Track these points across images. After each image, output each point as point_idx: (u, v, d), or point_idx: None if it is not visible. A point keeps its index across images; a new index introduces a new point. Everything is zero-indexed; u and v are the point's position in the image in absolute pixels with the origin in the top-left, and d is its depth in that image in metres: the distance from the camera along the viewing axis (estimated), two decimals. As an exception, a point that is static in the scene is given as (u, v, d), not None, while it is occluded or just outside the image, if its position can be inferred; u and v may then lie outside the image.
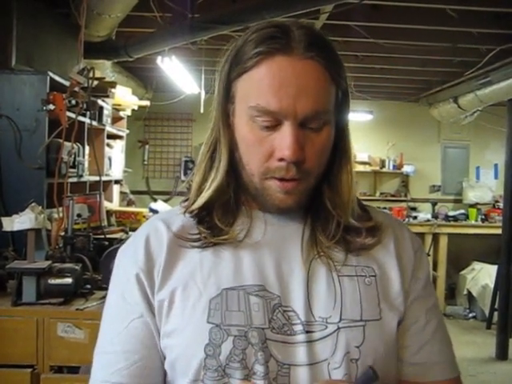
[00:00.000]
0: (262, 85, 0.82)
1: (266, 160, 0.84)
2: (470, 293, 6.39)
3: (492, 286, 5.81)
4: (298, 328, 0.83)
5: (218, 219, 0.89)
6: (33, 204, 2.33)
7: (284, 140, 0.81)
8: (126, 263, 0.91)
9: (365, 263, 0.89)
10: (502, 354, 5.02)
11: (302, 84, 0.81)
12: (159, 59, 3.92)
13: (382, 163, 7.41)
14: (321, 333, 0.83)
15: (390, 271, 0.90)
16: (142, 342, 0.86)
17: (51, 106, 2.68)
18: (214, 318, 0.83)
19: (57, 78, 2.83)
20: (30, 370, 2.12)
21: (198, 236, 0.89)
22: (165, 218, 0.95)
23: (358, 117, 6.77)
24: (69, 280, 2.21)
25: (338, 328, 0.84)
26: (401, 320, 0.90)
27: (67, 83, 2.86)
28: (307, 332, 0.83)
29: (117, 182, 4.65)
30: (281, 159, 0.82)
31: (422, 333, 0.91)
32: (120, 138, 4.72)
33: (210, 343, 0.82)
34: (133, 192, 5.64)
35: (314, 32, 0.86)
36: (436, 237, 6.52)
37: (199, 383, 0.82)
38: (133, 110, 4.88)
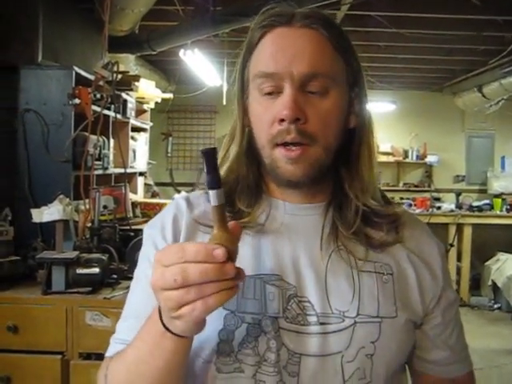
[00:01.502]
0: (263, 53, 0.87)
1: (270, 127, 0.85)
2: (494, 284, 6.32)
3: (517, 276, 5.76)
4: (313, 319, 0.84)
5: (240, 203, 0.91)
6: (61, 196, 2.39)
7: (282, 101, 0.84)
8: (155, 237, 0.92)
9: (383, 260, 0.89)
10: (527, 345, 4.97)
11: (299, 46, 0.85)
12: (182, 52, 3.95)
13: (405, 153, 7.37)
14: (337, 325, 0.84)
15: (407, 270, 0.91)
16: None
17: (77, 100, 2.74)
18: (230, 305, 0.84)
19: (82, 73, 2.88)
20: (60, 356, 2.20)
21: None
22: (189, 199, 0.96)
23: (381, 107, 6.72)
24: (96, 270, 2.27)
25: (355, 322, 0.84)
26: (418, 321, 0.91)
27: (92, 77, 2.91)
28: (321, 324, 0.84)
29: (141, 174, 4.70)
30: (281, 120, 0.83)
31: (450, 336, 0.94)
32: (144, 130, 4.78)
33: (224, 328, 0.84)
34: (157, 184, 5.70)
35: (318, 11, 0.90)
36: (460, 227, 6.45)
37: (211, 365, 0.84)
38: (156, 103, 4.92)
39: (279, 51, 0.84)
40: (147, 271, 0.90)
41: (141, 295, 0.90)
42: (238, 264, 0.85)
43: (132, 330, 0.86)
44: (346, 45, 0.89)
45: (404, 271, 0.90)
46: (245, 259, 0.87)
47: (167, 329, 0.72)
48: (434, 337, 0.93)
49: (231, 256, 0.67)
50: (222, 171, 0.93)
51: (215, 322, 0.84)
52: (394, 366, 0.87)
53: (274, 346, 0.82)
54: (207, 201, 0.92)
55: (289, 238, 0.90)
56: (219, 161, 0.94)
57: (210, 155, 0.67)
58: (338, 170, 0.92)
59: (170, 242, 0.90)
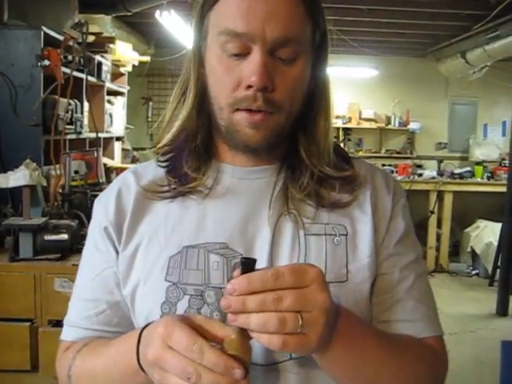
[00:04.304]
0: (231, 9, 0.79)
1: (234, 90, 0.80)
2: (473, 250, 6.39)
3: (496, 243, 5.81)
4: None
5: (187, 167, 0.87)
6: (27, 161, 2.33)
7: (251, 66, 0.77)
8: (99, 214, 0.91)
9: (337, 221, 0.85)
10: (502, 310, 5.05)
11: (271, 8, 0.77)
12: (157, 13, 3.84)
13: (388, 120, 7.34)
14: None
15: (363, 229, 0.86)
16: (111, 292, 0.87)
17: (46, 62, 2.65)
18: (172, 277, 0.82)
19: (51, 33, 2.78)
20: (28, 323, 2.17)
21: (166, 187, 0.88)
22: (137, 170, 0.94)
23: (364, 72, 6.66)
24: (65, 236, 2.23)
25: None
26: (373, 279, 0.86)
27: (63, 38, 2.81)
28: None
29: (118, 138, 4.63)
30: (248, 87, 0.78)
31: (393, 290, 0.86)
32: (121, 94, 4.68)
33: (166, 301, 0.82)
34: (137, 149, 5.62)
35: None
36: (441, 194, 6.48)
37: None
38: (134, 66, 4.82)
39: (251, 9, 0.77)
40: (92, 251, 0.91)
41: (87, 277, 0.91)
42: (180, 235, 0.85)
43: (81, 313, 0.89)
44: (317, 5, 0.83)
45: (359, 230, 0.86)
46: (188, 228, 0.85)
47: (142, 369, 0.72)
48: (375, 289, 0.86)
49: (246, 370, 0.65)
50: (174, 129, 0.89)
51: (158, 294, 0.82)
52: None
53: (218, 318, 0.80)
54: (154, 169, 0.92)
55: (236, 203, 0.86)
56: (166, 120, 0.90)
57: (249, 265, 0.66)
58: (295, 133, 0.88)
59: (112, 218, 0.88)
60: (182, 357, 0.64)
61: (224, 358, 0.64)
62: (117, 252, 0.87)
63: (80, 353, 0.85)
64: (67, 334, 0.91)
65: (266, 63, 0.77)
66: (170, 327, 0.67)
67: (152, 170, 0.92)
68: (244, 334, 0.65)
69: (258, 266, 0.79)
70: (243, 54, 0.79)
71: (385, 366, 0.78)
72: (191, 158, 0.88)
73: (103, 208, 0.90)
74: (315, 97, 0.87)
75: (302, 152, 0.87)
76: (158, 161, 0.91)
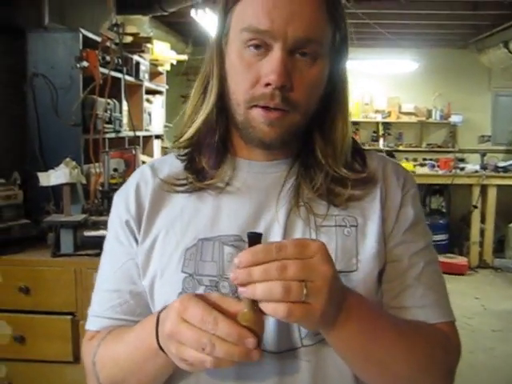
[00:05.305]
0: (256, 6, 0.80)
1: (252, 87, 0.81)
2: (519, 245, 6.23)
3: (542, 238, 5.65)
4: None
5: (205, 162, 0.90)
6: (67, 159, 2.40)
7: (270, 64, 0.79)
8: (120, 208, 0.93)
9: (347, 213, 0.87)
10: (548, 307, 4.91)
11: (295, 8, 0.79)
12: (193, 12, 3.88)
13: (429, 113, 7.21)
14: None
15: (373, 220, 0.87)
16: (134, 282, 0.90)
17: (85, 63, 2.71)
18: (188, 268, 0.85)
19: (90, 35, 2.85)
20: (70, 316, 2.24)
21: (184, 181, 0.90)
22: (154, 165, 0.97)
23: (403, 66, 6.55)
24: (104, 232, 2.27)
25: None
26: (382, 268, 0.87)
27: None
28: None
29: (157, 136, 4.70)
30: (266, 85, 0.80)
31: (402, 277, 0.87)
32: (159, 93, 4.75)
33: (182, 292, 0.84)
34: (176, 147, 5.69)
35: None
36: (484, 188, 6.32)
37: None
38: (172, 65, 4.88)
39: (276, 8, 0.78)
40: (114, 244, 0.93)
41: (110, 269, 0.93)
42: (196, 227, 0.87)
43: (105, 304, 0.92)
44: (339, 9, 0.85)
45: (369, 222, 0.87)
46: (204, 221, 0.87)
47: (162, 349, 0.75)
48: (384, 276, 0.87)
49: (259, 341, 0.67)
50: (196, 124, 0.90)
51: (174, 285, 0.85)
52: None
53: None
54: (170, 164, 0.95)
55: (250, 196, 0.88)
56: (188, 114, 0.92)
57: (255, 239, 0.68)
58: (311, 130, 0.89)
59: (133, 212, 0.91)
60: (196, 329, 0.67)
61: (237, 327, 0.66)
62: (137, 244, 0.90)
63: (104, 340, 0.88)
64: (92, 324, 0.94)
65: (286, 62, 0.79)
66: (185, 302, 0.70)
67: (169, 165, 0.95)
68: (256, 307, 0.67)
69: None
70: (263, 52, 0.81)
71: (397, 348, 0.78)
72: (209, 154, 0.90)
73: (123, 202, 0.93)
74: (333, 98, 0.89)
75: (318, 152, 0.89)
76: (179, 155, 0.94)
